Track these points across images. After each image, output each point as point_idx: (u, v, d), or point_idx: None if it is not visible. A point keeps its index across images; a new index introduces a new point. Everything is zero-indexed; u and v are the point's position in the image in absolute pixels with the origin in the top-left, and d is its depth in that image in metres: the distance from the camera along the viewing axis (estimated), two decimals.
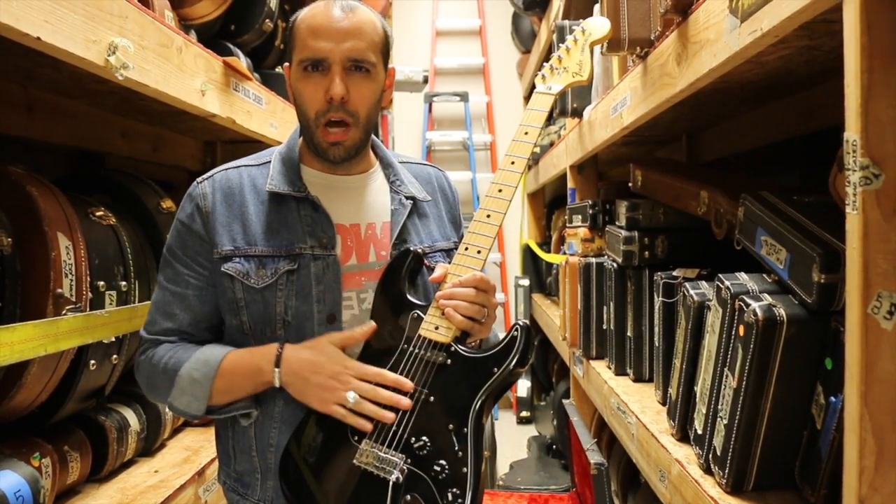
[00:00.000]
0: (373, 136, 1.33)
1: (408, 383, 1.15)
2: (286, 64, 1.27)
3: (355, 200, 1.28)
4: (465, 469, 1.10)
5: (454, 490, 1.09)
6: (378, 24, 1.24)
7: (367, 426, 1.13)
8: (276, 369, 1.15)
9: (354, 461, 1.13)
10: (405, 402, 1.14)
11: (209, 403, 1.19)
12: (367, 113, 1.22)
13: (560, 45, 1.41)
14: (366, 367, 1.16)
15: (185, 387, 1.17)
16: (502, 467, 3.60)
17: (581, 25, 1.41)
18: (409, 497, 1.10)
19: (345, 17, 1.19)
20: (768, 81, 1.42)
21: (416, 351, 1.17)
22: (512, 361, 1.14)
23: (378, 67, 1.22)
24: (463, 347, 1.17)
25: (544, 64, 1.40)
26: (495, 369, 1.14)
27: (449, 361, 1.15)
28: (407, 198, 1.30)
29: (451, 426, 1.13)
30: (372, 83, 1.21)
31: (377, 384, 1.15)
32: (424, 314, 1.19)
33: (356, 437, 1.15)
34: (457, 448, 1.11)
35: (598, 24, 1.41)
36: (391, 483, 1.11)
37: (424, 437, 1.13)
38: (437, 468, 1.11)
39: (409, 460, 1.12)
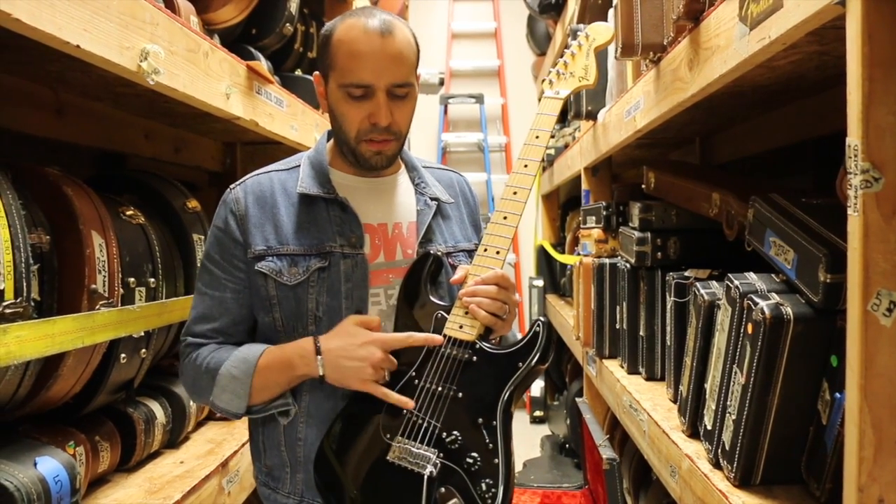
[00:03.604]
0: None
1: (438, 338, 1.21)
2: (316, 73, 1.30)
3: (383, 201, 1.33)
4: (496, 460, 1.15)
5: (487, 481, 1.14)
6: (413, 43, 1.27)
7: (409, 403, 1.19)
8: (319, 357, 1.20)
9: (388, 457, 1.18)
10: (438, 338, 1.21)
11: (249, 402, 1.23)
12: (406, 128, 1.29)
13: (566, 50, 1.43)
14: (392, 338, 1.21)
15: (225, 384, 1.22)
16: (515, 465, 3.63)
17: (585, 31, 1.43)
18: (443, 489, 1.15)
19: (386, 44, 1.20)
20: (780, 85, 1.44)
21: (443, 350, 1.21)
22: (536, 356, 1.19)
23: (415, 84, 1.27)
24: (487, 345, 1.21)
25: (551, 69, 1.42)
26: (520, 364, 1.19)
27: (475, 358, 1.20)
28: (432, 199, 1.35)
29: (480, 420, 1.17)
30: (411, 102, 1.27)
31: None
32: (448, 314, 1.23)
33: (388, 435, 1.19)
34: (487, 441, 1.16)
35: (601, 30, 1.42)
36: (426, 477, 1.15)
37: (455, 432, 1.17)
38: (470, 461, 1.16)
39: (441, 454, 1.17)
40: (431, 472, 1.15)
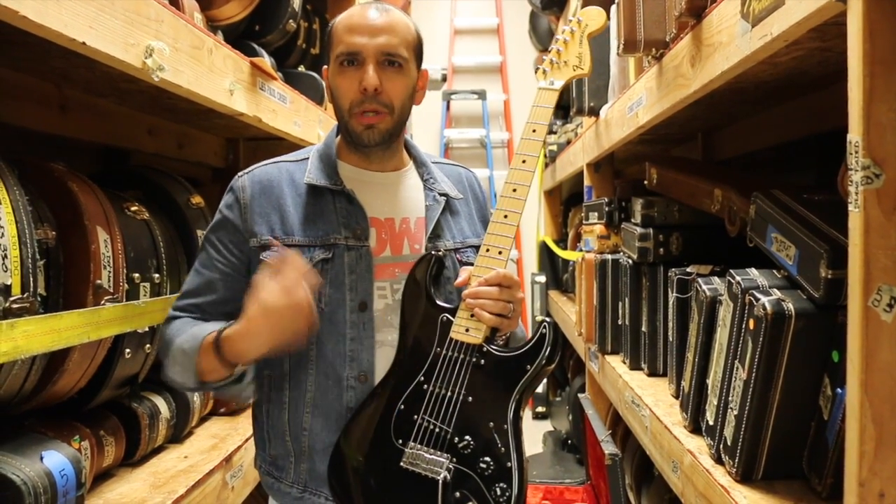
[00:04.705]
0: (407, 138, 1.39)
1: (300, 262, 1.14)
2: (325, 67, 1.33)
3: (390, 195, 1.34)
4: (509, 464, 1.16)
5: (501, 485, 1.15)
6: (411, 26, 1.30)
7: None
8: (218, 354, 1.16)
9: (402, 464, 1.19)
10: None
11: (200, 378, 1.21)
12: (400, 104, 1.28)
13: (558, 37, 1.39)
14: (282, 286, 1.11)
15: (176, 356, 1.22)
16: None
17: (576, 16, 1.39)
18: (458, 494, 1.16)
19: (379, 17, 1.26)
20: (782, 82, 1.44)
21: (450, 354, 1.21)
22: (543, 358, 1.19)
23: (410, 64, 1.28)
24: (495, 347, 1.21)
25: (544, 58, 1.38)
26: (528, 366, 1.19)
27: (483, 362, 1.20)
28: (441, 195, 1.36)
29: (491, 424, 1.18)
30: (404, 77, 1.27)
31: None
32: (453, 317, 1.23)
33: (400, 441, 1.20)
34: (499, 444, 1.16)
35: (593, 15, 1.37)
36: (440, 482, 1.16)
37: (467, 437, 1.18)
38: (483, 465, 1.16)
39: (454, 459, 1.17)
40: (445, 478, 1.16)
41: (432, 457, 1.18)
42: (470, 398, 1.19)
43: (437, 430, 1.19)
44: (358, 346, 1.26)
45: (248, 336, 1.15)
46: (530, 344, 1.20)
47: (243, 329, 1.15)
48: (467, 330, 1.21)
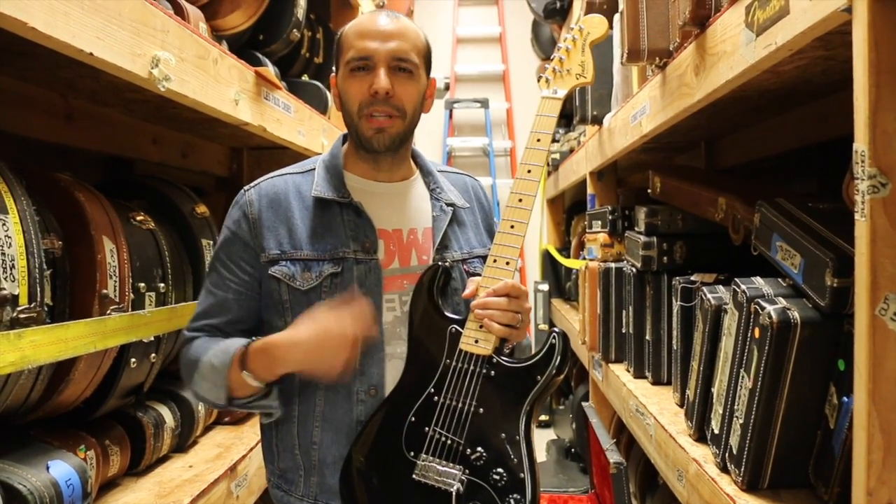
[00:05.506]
0: (413, 147, 1.39)
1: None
2: (333, 74, 1.33)
3: (397, 206, 1.33)
4: (522, 475, 1.15)
5: (515, 496, 1.14)
6: (421, 33, 1.31)
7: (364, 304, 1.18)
8: (245, 372, 1.18)
9: (414, 476, 1.18)
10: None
11: (229, 394, 1.22)
12: (412, 109, 1.28)
13: (560, 45, 1.38)
14: (338, 317, 1.15)
15: (205, 373, 1.22)
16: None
17: (578, 25, 1.38)
18: None
19: (390, 23, 1.27)
20: (786, 90, 1.45)
21: (460, 365, 1.21)
22: (553, 368, 1.19)
23: (420, 70, 1.28)
24: (505, 358, 1.21)
25: (546, 67, 1.38)
26: (539, 377, 1.18)
27: (493, 373, 1.19)
28: (448, 205, 1.35)
29: (503, 435, 1.17)
30: (415, 83, 1.27)
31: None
32: (461, 328, 1.22)
33: (412, 453, 1.19)
34: (512, 455, 1.16)
35: (595, 23, 1.37)
36: (453, 494, 1.15)
37: (480, 448, 1.17)
38: (496, 476, 1.16)
39: (467, 471, 1.17)
40: (458, 489, 1.16)
41: (444, 469, 1.17)
42: (481, 409, 1.19)
43: (448, 441, 1.18)
44: (367, 360, 1.25)
45: (287, 345, 1.16)
46: (540, 354, 1.20)
47: (286, 335, 1.17)
48: (476, 341, 1.20)
